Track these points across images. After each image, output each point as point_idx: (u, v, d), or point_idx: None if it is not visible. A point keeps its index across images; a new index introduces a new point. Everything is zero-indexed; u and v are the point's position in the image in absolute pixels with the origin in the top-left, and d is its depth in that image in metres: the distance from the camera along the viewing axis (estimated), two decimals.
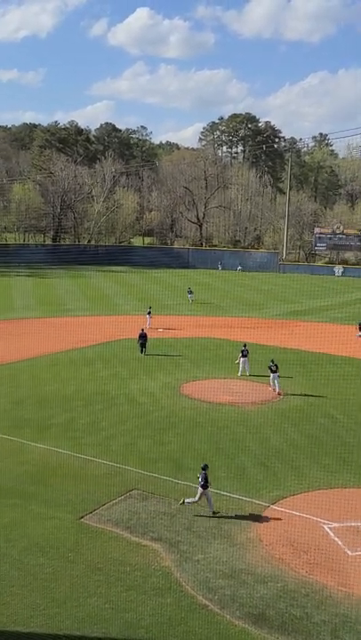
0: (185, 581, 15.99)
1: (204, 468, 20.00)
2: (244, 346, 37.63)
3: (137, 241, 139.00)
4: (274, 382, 33.81)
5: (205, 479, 19.73)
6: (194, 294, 68.90)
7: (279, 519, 19.56)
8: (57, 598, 15.02)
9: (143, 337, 41.87)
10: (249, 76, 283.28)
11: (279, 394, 33.18)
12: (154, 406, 31.03)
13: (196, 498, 19.81)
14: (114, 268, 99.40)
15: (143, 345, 41.68)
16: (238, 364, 37.26)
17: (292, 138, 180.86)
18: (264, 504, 20.53)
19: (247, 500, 20.76)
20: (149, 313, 52.07)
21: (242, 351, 37.29)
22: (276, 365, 33.88)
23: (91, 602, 14.92)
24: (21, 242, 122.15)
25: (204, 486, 19.65)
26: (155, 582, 15.89)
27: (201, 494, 19.73)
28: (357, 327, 50.04)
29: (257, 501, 20.67)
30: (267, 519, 19.57)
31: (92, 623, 14.14)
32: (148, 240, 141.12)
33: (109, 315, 56.99)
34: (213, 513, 19.64)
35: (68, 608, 14.64)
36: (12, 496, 20.73)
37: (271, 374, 33.85)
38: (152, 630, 14.04)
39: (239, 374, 36.80)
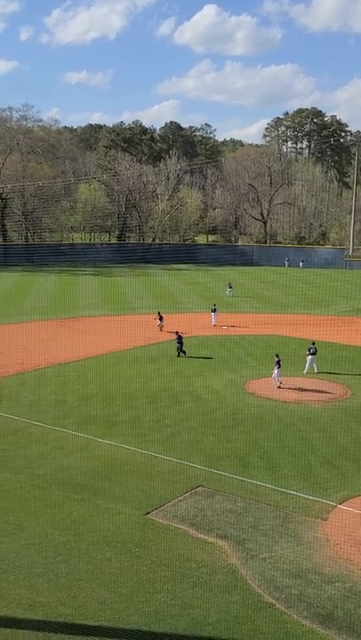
0: (251, 579, 15.90)
1: None
2: (313, 344, 37.16)
3: (201, 239, 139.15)
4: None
5: None
6: (233, 289, 70.01)
7: (347, 519, 19.23)
8: (124, 593, 15.17)
9: (180, 339, 40.84)
10: (316, 71, 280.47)
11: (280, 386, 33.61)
12: (219, 403, 30.99)
13: None
14: (178, 266, 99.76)
15: (180, 348, 40.68)
16: (306, 361, 36.88)
17: (358, 131, 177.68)
18: (331, 503, 20.22)
19: (314, 499, 20.49)
20: (214, 310, 52.04)
21: (309, 349, 36.86)
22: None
23: (157, 597, 15.01)
24: (87, 241, 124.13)
25: None
26: (221, 580, 15.87)
27: None
28: None
29: (324, 500, 20.38)
30: (334, 519, 19.27)
31: (159, 619, 14.22)
32: (212, 238, 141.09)
33: (174, 312, 57.24)
34: None
35: (136, 603, 14.76)
36: (81, 491, 21.07)
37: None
38: (218, 628, 14.02)
39: (305, 372, 36.38)
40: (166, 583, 15.64)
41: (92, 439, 25.96)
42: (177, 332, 41.55)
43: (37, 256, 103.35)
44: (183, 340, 40.91)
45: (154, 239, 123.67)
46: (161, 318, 49.49)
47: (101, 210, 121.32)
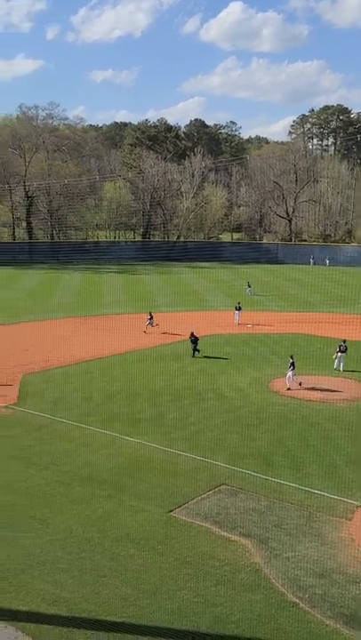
0: (275, 578, 15.86)
1: None
2: (343, 342, 36.87)
3: (225, 237, 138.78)
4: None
5: None
6: (252, 289, 69.95)
7: None
8: (147, 590, 15.21)
9: (195, 339, 40.26)
10: (343, 67, 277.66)
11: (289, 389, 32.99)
12: (243, 402, 30.93)
13: None
14: (202, 263, 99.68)
15: (195, 347, 40.11)
16: (335, 359, 36.68)
17: None
18: (356, 503, 20.08)
19: (339, 498, 20.37)
20: (239, 308, 51.93)
21: (339, 346, 36.65)
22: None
23: (180, 595, 15.03)
24: (112, 239, 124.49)
25: None
26: (244, 578, 15.85)
27: None
28: None
29: (349, 500, 20.25)
30: (359, 518, 19.14)
31: (182, 616, 14.24)
32: (236, 236, 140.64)
33: (198, 310, 57.21)
34: None
35: (159, 600, 14.80)
36: (106, 487, 21.18)
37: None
38: (242, 626, 14.00)
39: (335, 368, 36.33)
40: (189, 581, 15.66)
41: (116, 436, 26.07)
42: (192, 333, 40.72)
43: (62, 254, 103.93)
44: (198, 340, 40.32)
45: (178, 237, 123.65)
46: (151, 318, 48.02)
47: (126, 208, 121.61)
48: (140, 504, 19.95)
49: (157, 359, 39.54)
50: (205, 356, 39.93)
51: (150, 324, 47.59)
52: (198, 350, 40.26)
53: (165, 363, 38.56)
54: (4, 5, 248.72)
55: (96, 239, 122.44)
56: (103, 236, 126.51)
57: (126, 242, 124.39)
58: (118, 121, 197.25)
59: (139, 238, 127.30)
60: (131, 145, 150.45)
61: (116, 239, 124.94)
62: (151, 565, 16.33)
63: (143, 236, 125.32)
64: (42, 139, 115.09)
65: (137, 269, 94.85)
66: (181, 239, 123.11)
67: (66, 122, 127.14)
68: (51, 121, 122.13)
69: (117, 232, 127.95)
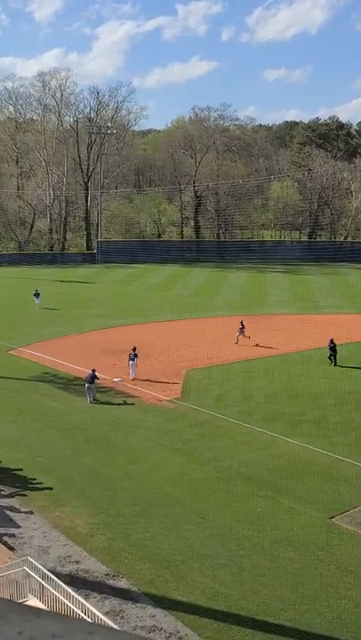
0: None
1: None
2: None
3: None
4: None
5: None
6: None
7: None
8: (307, 595, 14.98)
9: (333, 347, 37.80)
10: None
11: None
12: None
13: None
14: None
15: (331, 355, 37.65)
16: None
17: None
18: None
19: None
20: None
21: None
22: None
23: (341, 604, 14.65)
24: (277, 239, 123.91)
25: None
26: None
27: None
28: None
29: None
30: None
31: (343, 626, 13.87)
32: None
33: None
34: None
35: (318, 607, 14.52)
36: (265, 488, 21.12)
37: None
38: None
39: None
40: (350, 590, 15.22)
41: (276, 437, 25.91)
42: (331, 340, 38.29)
43: (228, 253, 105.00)
44: (337, 348, 37.84)
45: (346, 237, 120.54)
46: (242, 327, 43.68)
47: (293, 207, 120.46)
48: (300, 507, 19.68)
49: (321, 361, 38.75)
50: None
51: (242, 333, 43.58)
52: (333, 359, 37.74)
53: (329, 365, 37.69)
54: (183, 10, 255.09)
55: (261, 239, 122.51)
56: (268, 235, 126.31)
57: (292, 242, 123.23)
58: (289, 120, 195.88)
59: (305, 238, 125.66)
60: (300, 144, 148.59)
61: (282, 239, 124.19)
62: (311, 571, 16.06)
63: (309, 236, 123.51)
64: (213, 139, 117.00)
65: (302, 270, 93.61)
66: (349, 239, 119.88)
67: (236, 122, 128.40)
68: (222, 122, 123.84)
69: (283, 232, 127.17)
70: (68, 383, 33.95)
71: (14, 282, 76.30)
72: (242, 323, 44.20)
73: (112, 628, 0.86)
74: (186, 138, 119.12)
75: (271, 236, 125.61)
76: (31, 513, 19.38)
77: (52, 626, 0.86)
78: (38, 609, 0.92)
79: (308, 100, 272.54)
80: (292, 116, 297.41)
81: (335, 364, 37.54)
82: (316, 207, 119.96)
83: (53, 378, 35.00)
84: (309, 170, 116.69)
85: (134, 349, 35.36)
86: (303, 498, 20.34)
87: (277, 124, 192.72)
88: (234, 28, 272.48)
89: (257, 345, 42.48)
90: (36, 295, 57.88)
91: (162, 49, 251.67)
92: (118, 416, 28.72)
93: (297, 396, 31.75)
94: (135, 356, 34.97)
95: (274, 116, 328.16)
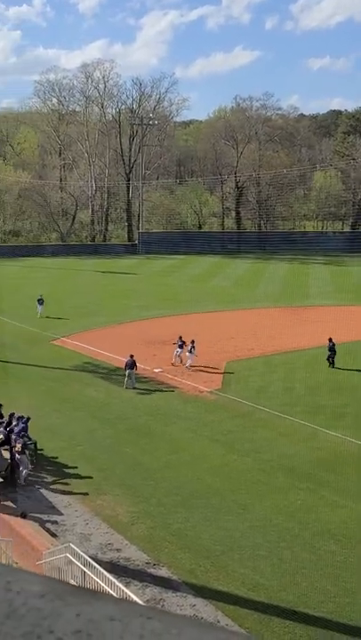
0: None
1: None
2: None
3: None
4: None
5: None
6: None
7: None
8: (348, 588, 14.87)
9: (332, 347, 35.57)
10: None
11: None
12: None
13: None
14: None
15: (329, 356, 35.42)
16: None
17: None
18: None
19: None
20: None
21: None
22: None
23: None
24: (319, 229, 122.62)
25: None
26: None
27: None
28: None
29: None
30: None
31: None
32: None
33: None
34: None
35: (360, 600, 14.41)
36: (305, 480, 21.00)
37: None
38: None
39: None
40: None
41: (318, 429, 25.71)
42: (330, 339, 36.12)
43: (269, 244, 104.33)
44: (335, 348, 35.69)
45: None
46: (181, 345, 35.90)
47: (336, 197, 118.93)
48: (342, 500, 19.52)
49: None
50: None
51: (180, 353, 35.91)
52: (330, 362, 35.50)
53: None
54: None
55: (303, 229, 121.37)
56: (310, 226, 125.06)
57: (334, 232, 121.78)
58: (333, 109, 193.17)
59: (347, 229, 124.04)
60: (344, 133, 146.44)
61: (324, 230, 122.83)
62: (353, 564, 15.92)
63: (352, 226, 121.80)
64: (255, 129, 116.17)
65: (345, 261, 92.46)
66: None
67: (279, 112, 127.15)
68: (264, 111, 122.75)
69: (325, 222, 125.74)
70: (110, 373, 34.22)
71: (57, 272, 77.08)
72: (181, 338, 36.20)
73: (170, 612, 0.85)
74: (227, 128, 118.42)
75: (313, 227, 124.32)
76: (72, 501, 19.62)
77: (110, 609, 0.86)
78: (96, 592, 0.92)
79: (353, 89, 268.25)
80: (337, 104, 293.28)
81: (333, 366, 35.11)
82: (359, 197, 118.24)
83: (95, 368, 35.32)
84: (353, 159, 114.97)
85: (181, 338, 35.66)
86: (345, 491, 20.15)
87: (321, 113, 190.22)
88: (278, 16, 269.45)
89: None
90: (40, 302, 49.10)
91: (205, 39, 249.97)
92: (159, 406, 28.86)
93: (340, 388, 31.45)
94: (184, 343, 35.25)
95: (318, 105, 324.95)
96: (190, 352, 34.89)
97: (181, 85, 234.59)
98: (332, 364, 35.41)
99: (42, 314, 48.41)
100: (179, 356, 35.63)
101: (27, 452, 22.17)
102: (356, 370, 34.58)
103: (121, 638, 0.80)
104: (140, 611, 0.86)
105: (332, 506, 19.17)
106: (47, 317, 47.63)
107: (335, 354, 35.49)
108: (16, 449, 21.71)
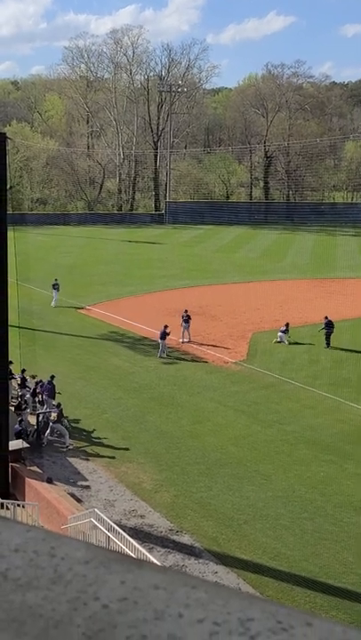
0: None
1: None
2: None
3: None
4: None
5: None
6: None
7: None
8: None
9: (329, 325, 34.38)
10: None
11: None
12: None
13: None
14: None
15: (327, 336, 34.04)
16: None
17: None
18: None
19: None
20: None
21: None
22: None
23: None
24: (349, 200, 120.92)
25: None
26: None
27: None
28: None
29: None
30: None
31: None
32: None
33: None
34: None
35: None
36: (328, 452, 21.03)
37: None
38: None
39: None
40: None
41: (342, 402, 25.66)
42: (326, 317, 35.08)
43: (297, 215, 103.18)
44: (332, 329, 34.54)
45: None
46: (187, 320, 34.99)
47: None
48: None
49: None
50: None
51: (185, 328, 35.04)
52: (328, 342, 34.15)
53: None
54: None
55: (332, 200, 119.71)
56: (340, 197, 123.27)
57: None
58: None
59: None
60: None
61: (354, 201, 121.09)
62: None
63: None
64: (285, 98, 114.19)
65: None
66: None
67: (311, 80, 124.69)
68: (296, 79, 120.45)
69: (355, 193, 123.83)
70: (135, 342, 34.37)
71: (83, 241, 77.17)
72: (186, 312, 35.55)
73: (215, 582, 0.86)
74: (257, 96, 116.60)
75: (343, 198, 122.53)
76: (97, 467, 19.89)
77: (155, 577, 0.86)
78: (140, 560, 0.93)
79: None
80: None
81: (328, 346, 33.67)
82: None
83: (121, 337, 35.49)
84: None
85: (186, 311, 35.31)
86: None
87: (354, 80, 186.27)
88: None
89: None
90: (55, 287, 42.09)
91: (238, 4, 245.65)
92: (184, 376, 28.97)
93: None
94: (189, 317, 34.90)
95: (351, 73, 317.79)
96: (184, 324, 34.48)
97: (212, 52, 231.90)
98: (327, 343, 33.77)
99: (57, 302, 41.80)
100: (187, 330, 34.87)
101: (63, 419, 22.43)
102: None
103: (167, 607, 0.80)
104: (184, 580, 0.86)
105: (355, 478, 19.20)
106: (73, 286, 47.67)
107: (332, 332, 34.05)
108: (52, 418, 22.07)
